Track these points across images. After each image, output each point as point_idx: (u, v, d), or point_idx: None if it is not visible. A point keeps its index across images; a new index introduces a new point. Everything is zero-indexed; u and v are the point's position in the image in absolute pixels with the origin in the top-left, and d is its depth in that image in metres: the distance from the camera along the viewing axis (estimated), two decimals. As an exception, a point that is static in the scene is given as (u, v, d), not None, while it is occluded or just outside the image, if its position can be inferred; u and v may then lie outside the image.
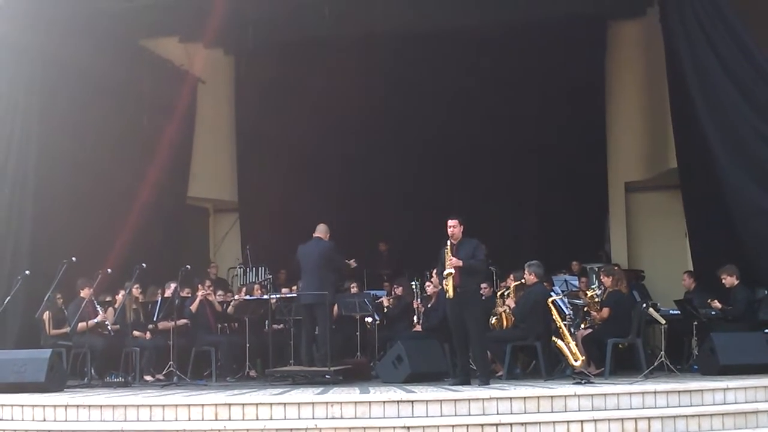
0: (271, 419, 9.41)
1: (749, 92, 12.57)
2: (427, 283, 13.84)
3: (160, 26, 16.18)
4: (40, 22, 13.87)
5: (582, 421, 9.10)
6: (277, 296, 14.18)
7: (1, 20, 13.74)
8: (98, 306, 13.30)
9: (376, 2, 15.22)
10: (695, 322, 13.00)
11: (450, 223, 11.41)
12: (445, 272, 11.33)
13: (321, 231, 13.13)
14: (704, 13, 12.88)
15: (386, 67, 17.58)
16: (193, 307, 13.80)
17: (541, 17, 16.47)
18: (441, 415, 9.34)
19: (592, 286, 13.66)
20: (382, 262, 17.29)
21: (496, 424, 8.99)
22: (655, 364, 11.94)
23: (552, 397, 9.52)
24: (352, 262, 13.76)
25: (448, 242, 11.37)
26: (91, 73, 14.74)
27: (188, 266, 13.58)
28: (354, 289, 14.84)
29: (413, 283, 14.07)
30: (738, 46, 12.67)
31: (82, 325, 12.95)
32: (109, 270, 13.29)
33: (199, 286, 14.18)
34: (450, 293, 11.32)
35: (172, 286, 13.76)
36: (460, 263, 11.19)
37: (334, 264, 13.11)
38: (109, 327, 13.15)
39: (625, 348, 12.60)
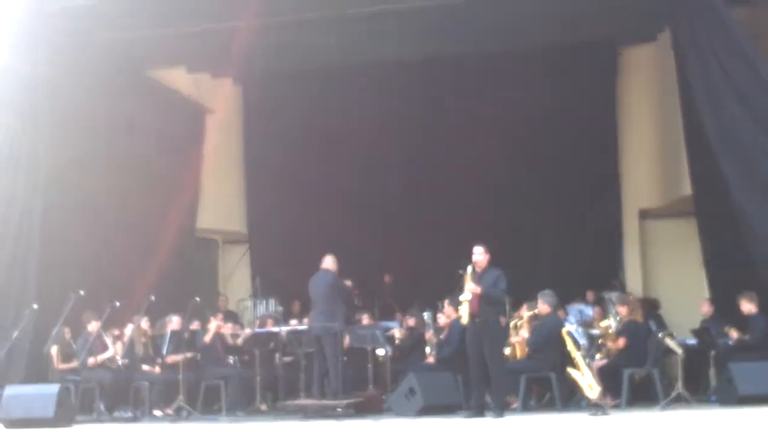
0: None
1: (762, 117, 12.44)
2: (439, 315, 13.70)
3: (167, 56, 16.13)
4: (46, 53, 13.83)
5: (599, 455, 8.96)
6: (288, 328, 14.05)
7: (6, 52, 13.72)
8: (107, 339, 13.20)
9: (383, 30, 15.15)
10: (713, 352, 12.81)
11: (475, 250, 11.38)
12: (461, 297, 11.26)
13: (328, 262, 13.14)
14: (716, 37, 12.78)
15: (394, 95, 17.50)
16: (208, 338, 13.68)
17: (551, 44, 16.35)
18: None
19: (609, 316, 13.47)
20: (387, 294, 17.14)
21: (511, 458, 8.86)
22: (673, 395, 11.78)
23: (568, 429, 9.37)
24: (348, 283, 13.62)
25: (469, 268, 11.27)
26: (97, 104, 14.71)
27: (197, 298, 13.49)
28: (366, 321, 14.69)
29: (425, 314, 13.93)
30: (750, 70, 12.56)
31: (91, 361, 12.88)
32: (117, 303, 13.20)
33: (212, 318, 14.06)
34: (465, 319, 11.22)
35: (174, 319, 13.64)
36: (479, 290, 11.11)
37: (340, 294, 13.05)
38: (119, 361, 13.03)
39: (641, 378, 12.44)
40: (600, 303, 15.40)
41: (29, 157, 13.92)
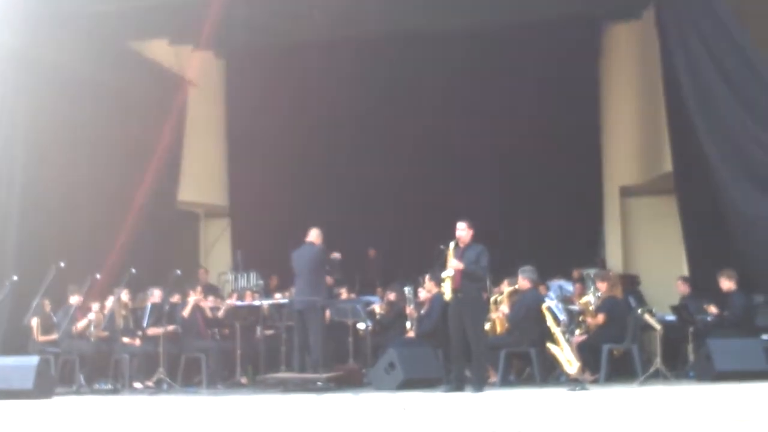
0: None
1: (744, 95, 12.50)
2: (420, 289, 13.71)
3: (149, 28, 16.02)
4: (26, 24, 13.71)
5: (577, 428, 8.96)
6: (269, 302, 14.05)
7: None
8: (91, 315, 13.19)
9: (366, 4, 15.10)
10: (691, 328, 12.89)
11: (458, 226, 11.38)
12: (444, 274, 11.27)
13: (313, 236, 13.09)
14: (700, 15, 12.80)
15: (377, 69, 17.47)
16: (186, 312, 13.65)
17: (534, 19, 16.33)
18: (434, 422, 9.21)
19: (589, 292, 13.51)
20: (371, 269, 17.14)
21: (490, 432, 8.86)
22: (651, 370, 11.87)
23: (547, 403, 9.39)
24: (336, 255, 13.61)
25: (451, 244, 11.27)
26: (79, 76, 14.63)
27: (178, 271, 13.47)
28: (344, 295, 14.68)
29: (406, 289, 13.94)
30: (733, 48, 12.59)
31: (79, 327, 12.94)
32: (97, 276, 13.16)
33: (191, 292, 14.03)
34: (448, 295, 11.24)
35: (156, 292, 13.62)
36: (461, 266, 11.11)
37: (325, 268, 13.02)
38: (92, 329, 12.96)
39: (620, 354, 12.53)
40: (581, 280, 15.47)
41: (9, 130, 13.84)
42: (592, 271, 15.26)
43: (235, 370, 13.77)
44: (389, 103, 17.72)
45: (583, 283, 15.13)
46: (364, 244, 17.54)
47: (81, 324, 13.15)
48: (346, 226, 17.07)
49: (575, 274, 15.90)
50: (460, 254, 11.34)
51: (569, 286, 14.98)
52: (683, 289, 13.91)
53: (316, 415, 9.33)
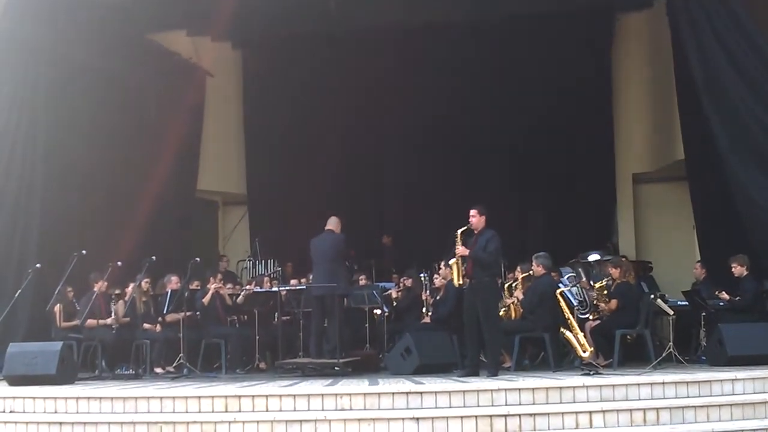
0: (280, 411, 9.45)
1: (755, 84, 12.55)
2: (436, 275, 13.86)
3: (167, 20, 16.20)
4: (44, 18, 13.83)
5: (591, 412, 9.14)
6: (287, 288, 14.21)
7: (5, 18, 13.72)
8: (112, 303, 13.31)
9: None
10: (703, 313, 13.01)
11: (470, 212, 11.47)
12: (451, 261, 11.42)
13: (333, 224, 13.13)
14: (710, 3, 12.85)
15: (392, 60, 17.59)
16: (206, 299, 13.82)
17: (548, 9, 16.45)
18: (450, 407, 9.37)
19: (604, 280, 13.60)
20: (386, 256, 17.30)
21: (505, 415, 9.02)
22: (663, 355, 11.95)
23: (561, 388, 9.55)
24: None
25: (459, 231, 11.41)
26: (98, 68, 14.76)
27: (197, 259, 13.63)
28: (363, 281, 14.86)
29: (422, 275, 14.09)
30: (744, 37, 12.65)
31: (92, 321, 13.06)
32: (119, 263, 13.35)
33: (211, 278, 14.22)
34: (457, 281, 11.41)
35: (173, 279, 13.80)
36: (466, 252, 11.25)
37: (345, 256, 13.15)
38: (113, 327, 13.13)
39: (633, 339, 12.63)
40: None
41: (30, 121, 13.97)
42: (606, 257, 15.33)
43: (254, 355, 13.96)
44: (404, 93, 17.84)
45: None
46: (379, 230, 17.71)
47: (102, 321, 13.28)
48: (362, 213, 17.28)
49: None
50: (473, 241, 11.44)
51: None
52: (699, 272, 14.00)
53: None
